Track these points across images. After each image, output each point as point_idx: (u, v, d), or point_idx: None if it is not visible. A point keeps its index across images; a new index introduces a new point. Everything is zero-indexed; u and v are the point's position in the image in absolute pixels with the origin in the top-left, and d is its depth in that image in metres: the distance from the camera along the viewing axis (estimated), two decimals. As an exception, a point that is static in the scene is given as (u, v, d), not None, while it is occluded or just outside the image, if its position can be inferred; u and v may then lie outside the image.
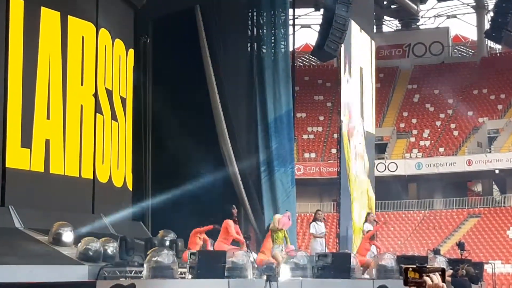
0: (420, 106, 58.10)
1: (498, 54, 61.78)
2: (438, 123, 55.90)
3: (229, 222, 18.04)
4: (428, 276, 4.27)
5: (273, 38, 26.25)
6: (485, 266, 26.18)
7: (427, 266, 4.29)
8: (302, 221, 47.31)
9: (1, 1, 19.38)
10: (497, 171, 49.88)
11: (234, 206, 18.74)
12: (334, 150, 49.02)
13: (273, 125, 25.56)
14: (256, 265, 17.55)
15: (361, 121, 32.54)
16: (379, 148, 51.31)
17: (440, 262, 20.17)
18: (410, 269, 4.28)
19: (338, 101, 31.57)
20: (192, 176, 24.07)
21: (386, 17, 64.54)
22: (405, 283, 4.32)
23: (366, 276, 19.40)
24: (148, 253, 16.52)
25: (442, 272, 4.29)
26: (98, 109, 22.06)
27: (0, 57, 19.26)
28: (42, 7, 20.32)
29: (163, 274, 16.06)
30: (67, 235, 17.58)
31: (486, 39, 50.25)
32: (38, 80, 20.00)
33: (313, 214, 21.43)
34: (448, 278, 17.66)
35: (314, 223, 21.02)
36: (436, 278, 4.26)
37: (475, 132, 53.56)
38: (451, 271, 18.16)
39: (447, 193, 51.94)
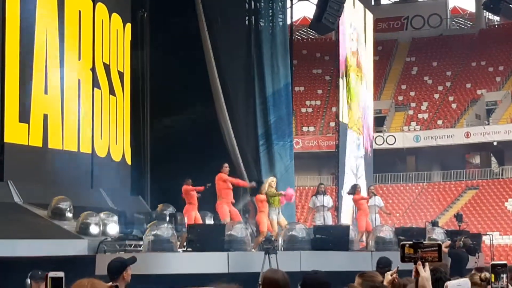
0: (418, 79, 58.02)
1: (496, 26, 61.58)
2: (436, 96, 55.85)
3: (222, 175, 18.22)
4: (422, 263, 4.29)
5: (270, 11, 26.17)
6: (483, 238, 26.28)
7: (423, 242, 4.30)
8: (300, 194, 47.41)
9: (-3, -24, 19.29)
10: (495, 143, 49.92)
11: (226, 164, 18.80)
12: (332, 124, 49.02)
13: (271, 99, 25.55)
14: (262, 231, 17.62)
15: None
16: (378, 121, 51.27)
17: (438, 233, 20.26)
18: (407, 245, 4.30)
19: (336, 75, 31.53)
20: (191, 150, 24.09)
21: (384, -10, 64.34)
22: (402, 260, 4.35)
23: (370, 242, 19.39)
24: (147, 226, 16.59)
25: (439, 247, 4.31)
26: (96, 83, 22.04)
27: (-3, 32, 19.22)
28: (39, -18, 20.23)
29: (163, 247, 16.14)
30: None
31: (485, 11, 50.09)
32: (35, 55, 19.96)
33: (313, 188, 21.49)
34: (445, 250, 17.73)
35: (314, 196, 21.09)
36: (424, 271, 4.29)
37: (473, 105, 53.53)
38: (449, 242, 18.23)
39: (445, 165, 52.00)
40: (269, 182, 18.74)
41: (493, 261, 6.45)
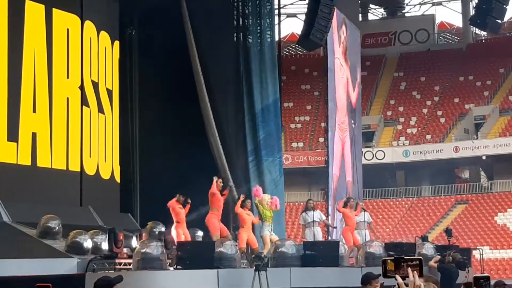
0: (406, 93, 58.19)
1: (483, 41, 61.90)
2: (425, 111, 56.01)
3: (212, 190, 18.23)
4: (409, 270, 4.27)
5: (259, 27, 26.24)
6: (473, 252, 26.32)
7: (404, 257, 4.29)
8: (291, 211, 47.37)
9: (-15, -6, 19.29)
10: (484, 157, 50.04)
11: (215, 177, 18.77)
12: (322, 139, 49.04)
13: (260, 115, 25.57)
14: (240, 247, 17.66)
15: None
16: (367, 136, 51.38)
17: (428, 248, 20.27)
18: (389, 260, 4.29)
19: (325, 90, 31.56)
20: (180, 167, 24.06)
21: (371, 6, 64.54)
22: (384, 275, 4.33)
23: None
24: (136, 245, 16.53)
25: (420, 261, 4.29)
26: (84, 101, 22.02)
27: (-16, 50, 19.19)
28: (27, 0, 20.26)
29: (152, 265, 16.07)
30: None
31: (472, 26, 50.34)
32: (23, 74, 19.95)
33: (303, 203, 21.50)
34: (434, 265, 17.75)
35: (304, 213, 21.08)
36: (414, 277, 4.26)
37: (461, 119, 53.69)
38: (439, 257, 18.25)
39: (434, 180, 52.07)
40: (266, 201, 18.93)
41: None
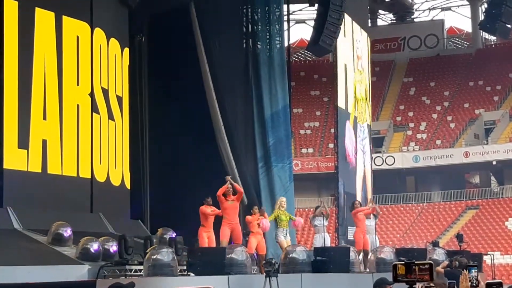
0: (416, 99, 58.10)
1: (493, 46, 61.77)
2: (434, 116, 55.90)
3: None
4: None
5: (268, 34, 26.23)
6: (484, 257, 26.21)
7: (415, 262, 4.31)
8: (300, 216, 47.26)
9: (-5, 2, 19.38)
10: (494, 163, 49.90)
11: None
12: (331, 145, 49.01)
13: (270, 121, 25.56)
14: (250, 254, 17.61)
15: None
16: (376, 142, 51.29)
17: (439, 254, 20.21)
18: (399, 265, 4.31)
19: (335, 96, 31.59)
20: (190, 173, 24.08)
21: (380, 11, 64.50)
22: (395, 279, 4.34)
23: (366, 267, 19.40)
24: (147, 251, 16.54)
25: (430, 266, 4.31)
26: (94, 108, 22.07)
27: (-5, 58, 19.27)
28: (37, 8, 20.32)
29: (163, 272, 16.07)
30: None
31: (481, 31, 50.27)
32: (34, 81, 20.02)
33: (312, 209, 21.50)
34: (441, 270, 17.70)
35: (312, 218, 21.04)
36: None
37: (471, 124, 53.56)
38: (447, 262, 18.18)
39: (445, 185, 51.95)
40: (279, 202, 18.98)
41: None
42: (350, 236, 28.36)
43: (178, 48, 25.27)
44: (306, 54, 62.35)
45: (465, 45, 65.15)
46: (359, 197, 30.42)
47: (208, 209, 18.12)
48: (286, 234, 18.97)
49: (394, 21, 64.11)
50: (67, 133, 20.85)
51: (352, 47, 32.38)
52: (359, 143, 32.55)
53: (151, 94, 25.91)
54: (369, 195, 32.30)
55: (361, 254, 20.06)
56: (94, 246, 16.91)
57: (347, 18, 29.31)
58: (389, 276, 9.55)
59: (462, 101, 56.08)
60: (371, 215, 21.25)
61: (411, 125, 55.87)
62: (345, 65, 31.68)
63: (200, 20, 25.17)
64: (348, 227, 29.60)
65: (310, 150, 55.28)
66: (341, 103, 31.00)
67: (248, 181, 24.88)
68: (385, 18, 65.59)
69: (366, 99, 33.77)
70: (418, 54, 61.10)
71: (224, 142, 24.83)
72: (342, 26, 26.24)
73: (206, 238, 18.03)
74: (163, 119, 25.41)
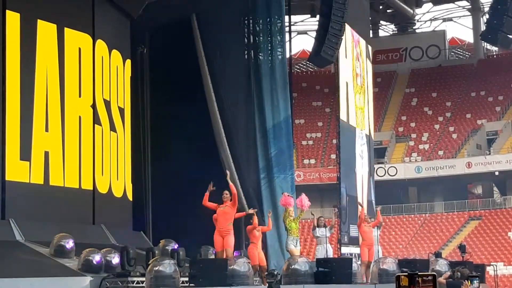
0: (418, 109, 58.10)
1: (495, 56, 61.79)
2: (436, 126, 55.88)
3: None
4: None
5: (269, 45, 26.29)
6: (487, 268, 26.16)
7: (418, 273, 4.32)
8: (303, 227, 47.21)
9: (-2, 14, 19.41)
10: (497, 173, 49.84)
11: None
12: (333, 156, 49.00)
13: (272, 132, 25.58)
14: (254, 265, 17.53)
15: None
16: (378, 153, 51.28)
17: (441, 265, 20.16)
18: (403, 276, 4.31)
19: (337, 107, 31.66)
20: (192, 185, 24.04)
21: (382, 22, 64.58)
22: None
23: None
24: (149, 263, 16.51)
25: (433, 277, 4.32)
26: (96, 120, 22.08)
27: (-3, 70, 19.29)
28: (39, 20, 20.35)
29: (165, 283, 16.03)
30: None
31: (483, 41, 50.29)
32: (36, 93, 20.03)
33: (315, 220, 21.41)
34: (443, 281, 17.69)
35: (314, 230, 21.02)
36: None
37: (474, 135, 53.54)
38: (449, 273, 18.15)
39: (447, 196, 51.89)
40: (287, 213, 19.04)
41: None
42: (352, 233, 28.63)
43: (179, 59, 25.32)
44: (307, 65, 62.38)
45: (467, 55, 65.18)
46: (359, 200, 30.58)
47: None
48: (297, 243, 19.05)
49: (396, 32, 64.16)
50: (69, 145, 20.85)
51: (352, 65, 32.57)
52: (358, 148, 32.75)
53: (153, 106, 25.95)
54: (365, 198, 32.36)
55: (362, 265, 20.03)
56: (96, 258, 16.88)
57: (348, 30, 29.42)
58: (391, 288, 9.55)
59: (464, 112, 56.07)
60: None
61: (413, 135, 55.85)
62: (347, 83, 31.88)
63: (202, 31, 25.25)
64: (350, 225, 29.95)
65: (312, 161, 55.25)
66: (343, 115, 31.13)
67: (250, 192, 24.89)
68: (386, 29, 65.67)
69: (364, 107, 33.90)
70: (420, 64, 61.13)
71: (226, 153, 24.85)
72: (343, 41, 26.38)
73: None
74: (165, 130, 25.43)
